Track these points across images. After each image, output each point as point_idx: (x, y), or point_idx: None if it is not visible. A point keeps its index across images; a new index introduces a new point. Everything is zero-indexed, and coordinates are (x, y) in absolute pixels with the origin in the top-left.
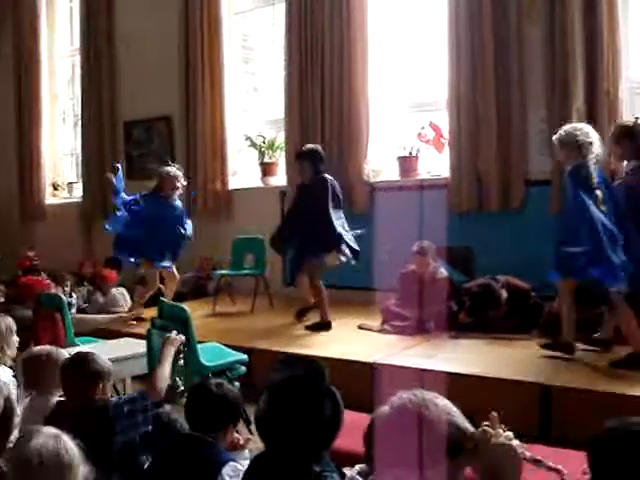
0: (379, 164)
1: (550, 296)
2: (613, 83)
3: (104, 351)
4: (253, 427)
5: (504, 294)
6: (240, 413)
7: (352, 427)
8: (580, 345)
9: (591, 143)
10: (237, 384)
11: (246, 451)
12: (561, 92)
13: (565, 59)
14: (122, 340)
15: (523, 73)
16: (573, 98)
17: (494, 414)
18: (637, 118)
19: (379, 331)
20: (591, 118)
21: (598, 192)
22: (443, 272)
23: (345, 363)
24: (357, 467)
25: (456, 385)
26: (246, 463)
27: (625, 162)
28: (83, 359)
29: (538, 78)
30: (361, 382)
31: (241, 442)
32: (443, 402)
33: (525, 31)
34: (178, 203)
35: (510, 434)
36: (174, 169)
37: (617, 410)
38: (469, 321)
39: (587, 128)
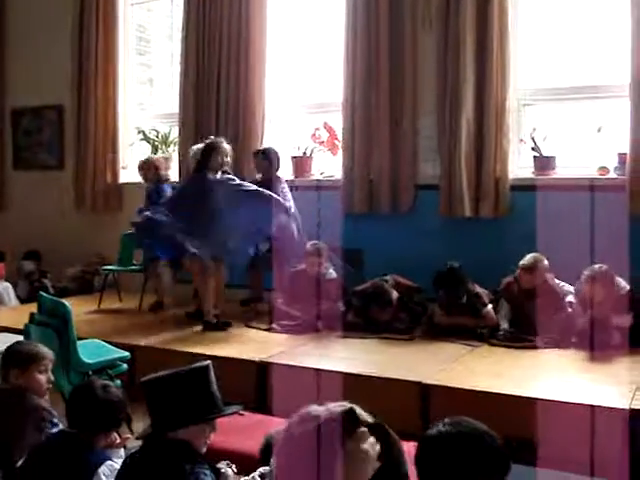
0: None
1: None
2: (502, 94)
3: None
4: (134, 426)
5: (394, 294)
6: (124, 417)
7: (230, 426)
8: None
9: None
10: (118, 382)
11: (121, 450)
12: (451, 100)
13: (456, 68)
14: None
15: (416, 80)
16: (463, 107)
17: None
18: (534, 129)
19: (267, 330)
20: (480, 127)
21: None
22: (332, 272)
23: (231, 361)
24: (260, 469)
25: (342, 384)
26: (120, 462)
27: None
28: None
29: (430, 85)
30: (247, 381)
31: (118, 441)
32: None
33: (420, 39)
34: None
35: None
36: None
37: (494, 408)
38: (357, 321)
39: None
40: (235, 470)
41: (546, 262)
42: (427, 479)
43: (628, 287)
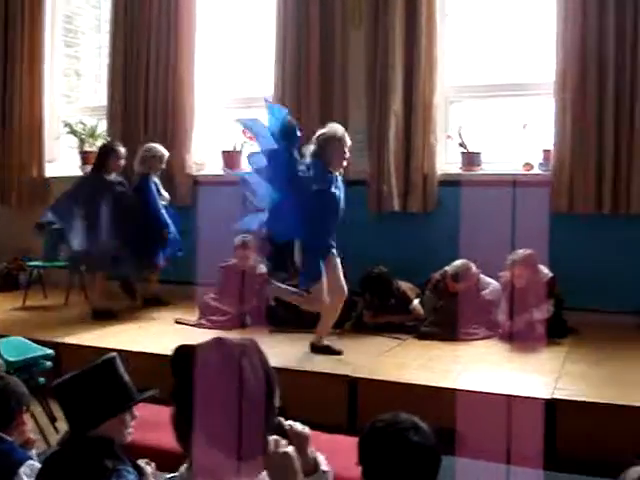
0: (203, 157)
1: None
2: (429, 91)
3: None
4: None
5: None
6: (24, 402)
7: (153, 421)
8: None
9: None
10: (42, 379)
11: (33, 450)
12: (380, 97)
13: (385, 65)
14: None
15: (346, 75)
16: (391, 104)
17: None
18: (461, 126)
19: (196, 325)
20: (408, 124)
21: None
22: (263, 267)
23: (156, 357)
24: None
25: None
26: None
27: None
28: None
29: (360, 81)
30: (170, 377)
31: (32, 437)
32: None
33: (350, 36)
34: None
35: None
36: None
37: (420, 400)
38: (288, 316)
39: None
40: (153, 468)
41: (474, 268)
42: (370, 473)
43: (550, 274)
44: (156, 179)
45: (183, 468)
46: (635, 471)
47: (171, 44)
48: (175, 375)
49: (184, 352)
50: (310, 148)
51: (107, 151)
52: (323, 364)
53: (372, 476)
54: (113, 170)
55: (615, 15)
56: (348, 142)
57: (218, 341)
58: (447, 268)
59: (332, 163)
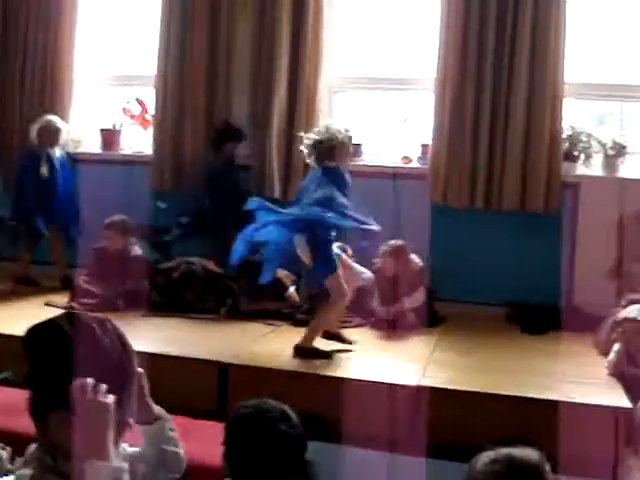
0: (80, 135)
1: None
2: (314, 80)
3: None
4: None
5: (201, 275)
6: None
7: (8, 405)
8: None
9: None
10: None
11: None
12: (265, 83)
13: (271, 51)
14: None
15: (231, 63)
16: (275, 91)
17: None
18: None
19: (65, 308)
20: (292, 112)
21: None
22: (137, 250)
23: (14, 339)
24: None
25: (144, 365)
26: None
27: None
28: None
29: (245, 67)
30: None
31: None
32: None
33: (237, 21)
34: None
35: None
36: None
37: (292, 386)
38: (162, 301)
39: None
40: (9, 453)
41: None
42: (234, 459)
43: (421, 263)
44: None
45: (32, 447)
46: (486, 455)
47: (51, 16)
48: (29, 355)
49: (36, 331)
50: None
51: None
52: (194, 350)
53: (236, 461)
54: None
55: (496, 12)
56: None
57: (69, 314)
58: None
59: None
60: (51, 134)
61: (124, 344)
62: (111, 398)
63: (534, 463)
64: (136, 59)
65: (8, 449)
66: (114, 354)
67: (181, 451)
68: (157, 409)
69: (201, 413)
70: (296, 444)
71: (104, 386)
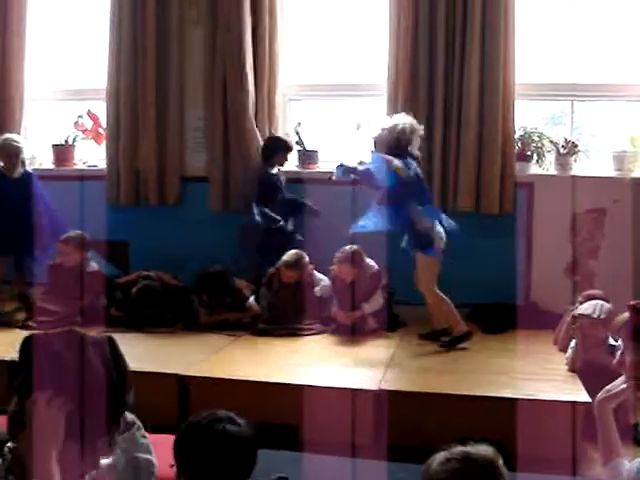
0: (33, 152)
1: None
2: (270, 88)
3: None
4: None
5: (159, 289)
6: None
7: None
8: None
9: None
10: None
11: None
12: (220, 94)
13: (224, 63)
14: None
15: (183, 72)
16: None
17: None
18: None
19: (22, 327)
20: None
21: None
22: (94, 265)
23: None
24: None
25: None
26: None
27: None
28: None
29: (197, 79)
30: None
31: None
32: None
33: (187, 32)
34: None
35: None
36: None
37: (254, 396)
38: (120, 315)
39: None
40: None
41: (307, 259)
42: (186, 469)
43: (377, 267)
44: None
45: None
46: (441, 455)
47: None
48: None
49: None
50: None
51: None
52: (152, 364)
53: (188, 471)
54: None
55: (445, 15)
56: None
57: (68, 331)
58: (282, 260)
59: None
60: (14, 154)
61: (119, 367)
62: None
63: (488, 458)
64: (86, 72)
65: None
66: (101, 375)
67: (153, 458)
68: (130, 417)
69: (162, 428)
70: (244, 445)
71: (60, 399)
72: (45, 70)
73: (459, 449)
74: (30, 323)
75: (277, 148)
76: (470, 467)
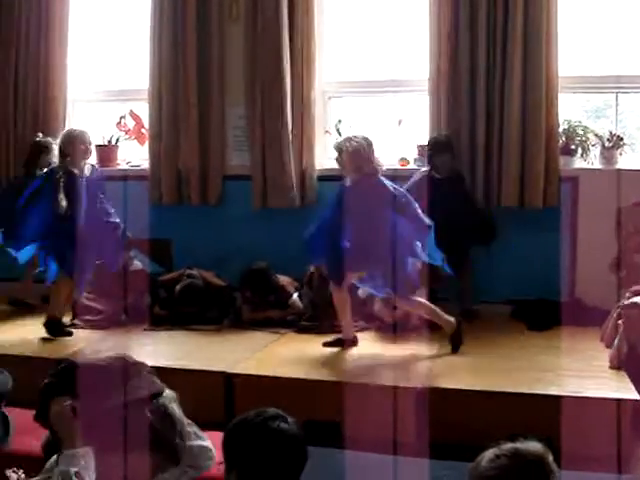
0: None
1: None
2: (307, 86)
3: None
4: None
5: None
6: None
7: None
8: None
9: None
10: None
11: None
12: (261, 93)
13: (264, 61)
14: None
15: (223, 70)
16: (271, 99)
17: None
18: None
19: (69, 326)
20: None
21: None
22: (138, 264)
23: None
24: None
25: None
26: None
27: None
28: None
29: (238, 77)
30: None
31: None
32: None
33: (227, 31)
34: None
35: None
36: None
37: (298, 393)
38: (164, 314)
39: None
40: (22, 475)
41: None
42: (238, 466)
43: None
44: None
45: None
46: (491, 451)
47: (42, 31)
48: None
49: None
50: None
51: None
52: (199, 362)
53: (240, 468)
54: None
55: (486, 10)
56: None
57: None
58: None
59: None
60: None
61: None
62: None
63: (538, 454)
64: (128, 73)
65: (20, 472)
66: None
67: (206, 442)
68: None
69: (208, 424)
70: (293, 442)
71: None
72: (88, 71)
73: (509, 445)
74: (76, 322)
75: (437, 148)
76: (520, 463)
